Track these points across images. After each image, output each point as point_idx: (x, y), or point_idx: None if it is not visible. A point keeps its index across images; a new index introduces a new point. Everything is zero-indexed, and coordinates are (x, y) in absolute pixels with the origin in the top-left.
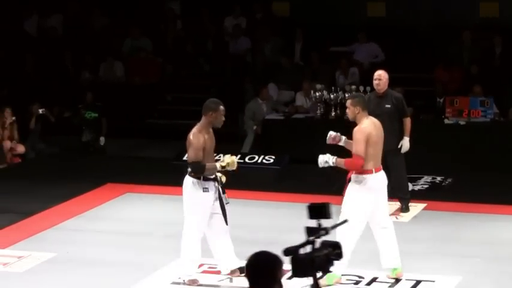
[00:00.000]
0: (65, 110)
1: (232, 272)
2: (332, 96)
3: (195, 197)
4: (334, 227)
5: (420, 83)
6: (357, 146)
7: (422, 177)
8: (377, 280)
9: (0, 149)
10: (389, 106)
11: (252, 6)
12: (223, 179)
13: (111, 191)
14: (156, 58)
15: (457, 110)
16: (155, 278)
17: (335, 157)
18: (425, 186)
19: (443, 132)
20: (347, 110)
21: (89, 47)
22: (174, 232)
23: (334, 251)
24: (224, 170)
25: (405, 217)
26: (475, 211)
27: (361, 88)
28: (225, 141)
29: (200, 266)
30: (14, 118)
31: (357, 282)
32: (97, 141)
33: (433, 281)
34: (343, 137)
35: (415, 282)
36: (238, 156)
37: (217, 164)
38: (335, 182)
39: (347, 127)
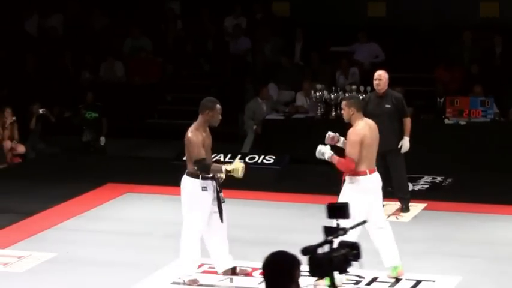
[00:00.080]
0: (65, 110)
1: (225, 272)
2: (332, 96)
3: (194, 197)
4: (353, 227)
5: (420, 83)
6: (351, 148)
7: (423, 177)
8: (377, 280)
9: (1, 149)
10: (389, 106)
11: (252, 6)
12: (222, 175)
13: (111, 191)
14: (157, 58)
15: (458, 110)
16: (155, 278)
17: (332, 153)
18: (426, 186)
19: (443, 132)
20: (342, 111)
21: (89, 47)
22: (174, 232)
23: (352, 251)
24: (223, 178)
25: (405, 217)
26: (475, 211)
27: (362, 88)
28: (225, 141)
29: (200, 266)
30: (14, 118)
31: (357, 282)
32: (97, 141)
33: (433, 281)
34: (342, 138)
35: (415, 282)
36: (239, 156)
37: (224, 167)
38: (335, 183)
39: (347, 127)
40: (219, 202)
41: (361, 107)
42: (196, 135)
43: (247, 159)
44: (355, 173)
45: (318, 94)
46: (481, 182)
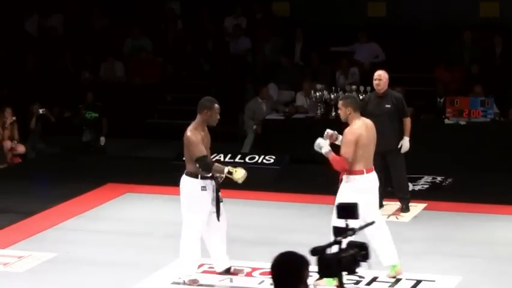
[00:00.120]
0: (65, 110)
1: (223, 272)
2: (332, 96)
3: (193, 196)
4: (362, 228)
5: (421, 83)
6: (345, 148)
7: (423, 177)
8: (377, 280)
9: (1, 149)
10: (389, 106)
11: (252, 6)
12: (223, 175)
13: (111, 191)
14: (157, 58)
15: (458, 110)
16: (155, 278)
17: (330, 149)
18: (426, 186)
19: (443, 132)
20: (339, 111)
21: (89, 47)
22: (174, 232)
23: (360, 251)
24: (223, 177)
25: (405, 217)
26: (475, 211)
27: (362, 88)
28: (225, 141)
29: (200, 266)
30: (14, 118)
31: (357, 282)
32: (97, 141)
33: (433, 281)
34: (340, 136)
35: (415, 282)
36: (239, 156)
37: (226, 169)
38: (335, 182)
39: (343, 127)
40: (217, 202)
41: (358, 107)
42: (195, 134)
43: (247, 159)
44: (352, 172)
45: (318, 94)
46: (481, 182)
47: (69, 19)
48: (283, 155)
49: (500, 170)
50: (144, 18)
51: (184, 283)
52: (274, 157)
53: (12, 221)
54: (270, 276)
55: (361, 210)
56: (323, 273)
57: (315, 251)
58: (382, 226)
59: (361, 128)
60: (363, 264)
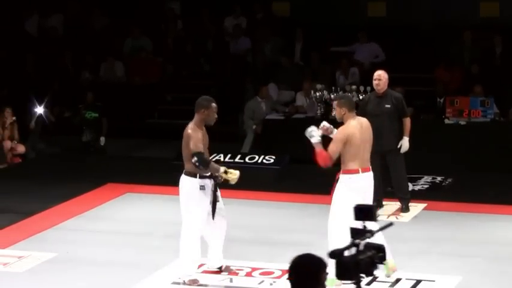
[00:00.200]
0: (65, 110)
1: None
2: (332, 96)
3: (192, 196)
4: (380, 229)
5: (421, 83)
6: (332, 144)
7: (422, 177)
8: (377, 280)
9: (1, 149)
10: (389, 106)
11: (252, 6)
12: (222, 175)
13: (111, 191)
14: (157, 58)
15: (458, 110)
16: (155, 278)
17: (320, 140)
18: (425, 186)
19: (443, 132)
20: (334, 111)
21: (89, 47)
22: (174, 232)
23: (378, 253)
24: (222, 177)
25: (405, 217)
26: (475, 211)
27: (362, 88)
28: (225, 141)
29: (200, 266)
30: (14, 118)
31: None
32: (97, 141)
33: (433, 281)
34: (335, 130)
35: (415, 282)
36: (239, 156)
37: (222, 168)
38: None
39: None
40: (214, 200)
41: (352, 107)
42: (196, 131)
43: (247, 159)
44: (347, 171)
45: (318, 94)
46: (481, 182)
47: (69, 19)
48: (283, 155)
49: (500, 170)
50: (144, 18)
51: (184, 283)
52: (274, 157)
53: (12, 221)
54: (288, 278)
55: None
56: (341, 276)
57: (333, 254)
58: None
59: (354, 128)
60: (380, 266)
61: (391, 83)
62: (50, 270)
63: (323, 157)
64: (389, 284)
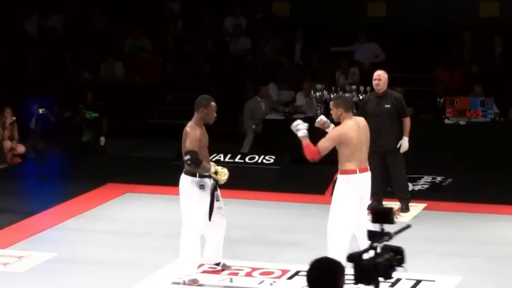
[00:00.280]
0: (65, 110)
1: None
2: (332, 96)
3: (192, 195)
4: (398, 232)
5: (421, 83)
6: (324, 141)
7: (422, 177)
8: None
9: (1, 149)
10: (389, 106)
11: (252, 6)
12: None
13: (111, 191)
14: (157, 58)
15: (458, 110)
16: (155, 278)
17: (306, 134)
18: (425, 186)
19: (443, 132)
20: (331, 112)
21: (89, 47)
22: (174, 232)
23: (396, 256)
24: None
25: (405, 217)
26: (475, 211)
27: (362, 88)
28: (225, 141)
29: (200, 266)
30: (14, 118)
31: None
32: (97, 141)
33: (433, 281)
34: (332, 125)
35: (415, 282)
36: (239, 156)
37: (213, 168)
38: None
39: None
40: (212, 201)
41: (349, 107)
42: (194, 130)
43: (247, 159)
44: (345, 171)
45: (318, 94)
46: (481, 182)
47: (69, 19)
48: (283, 155)
49: (500, 170)
50: (144, 18)
51: (184, 283)
52: (274, 157)
53: (12, 221)
54: (306, 283)
55: (355, 209)
56: (360, 280)
57: (351, 257)
58: (369, 225)
59: (350, 127)
60: (398, 268)
61: (391, 83)
62: (50, 270)
63: (311, 151)
64: (390, 284)
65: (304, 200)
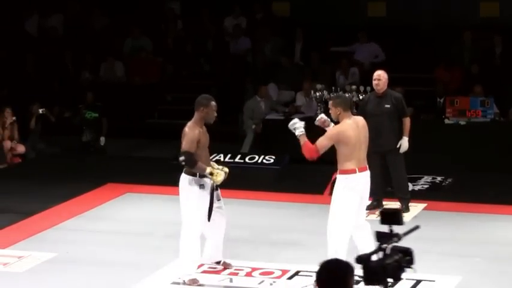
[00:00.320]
0: (65, 110)
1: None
2: (332, 96)
3: (192, 195)
4: (407, 233)
5: (421, 83)
6: (323, 139)
7: (422, 177)
8: None
9: (1, 149)
10: (388, 106)
11: (252, 6)
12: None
13: (111, 191)
14: (157, 58)
15: (458, 110)
16: (155, 278)
17: (304, 132)
18: (425, 186)
19: (443, 132)
20: (330, 111)
21: (89, 47)
22: (174, 232)
23: (404, 257)
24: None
25: (405, 217)
26: (475, 211)
27: (362, 88)
28: (225, 141)
29: (200, 266)
30: (14, 118)
31: (357, 282)
32: (97, 141)
33: (433, 281)
34: (332, 124)
35: (415, 282)
36: (239, 156)
37: (208, 169)
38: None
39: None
40: (212, 200)
41: (348, 106)
42: (193, 129)
43: (247, 159)
44: (344, 171)
45: (317, 94)
46: (481, 182)
47: (69, 19)
48: (283, 155)
49: (500, 170)
50: (144, 18)
51: (184, 283)
52: (274, 157)
53: (12, 221)
54: (316, 284)
55: (355, 208)
56: (369, 281)
57: (360, 259)
58: (366, 226)
59: (348, 127)
60: (407, 269)
61: (391, 83)
62: (50, 270)
63: (309, 149)
64: (389, 284)
65: (304, 200)
